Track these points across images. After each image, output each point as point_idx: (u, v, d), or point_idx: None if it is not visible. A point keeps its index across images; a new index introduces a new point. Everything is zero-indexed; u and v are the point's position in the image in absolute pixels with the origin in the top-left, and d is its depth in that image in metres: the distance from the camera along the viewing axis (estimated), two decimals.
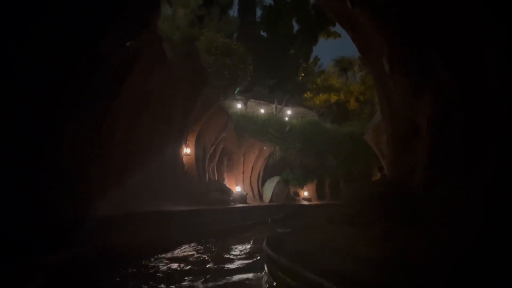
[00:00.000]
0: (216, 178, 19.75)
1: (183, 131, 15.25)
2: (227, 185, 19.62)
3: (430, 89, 6.25)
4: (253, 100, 27.59)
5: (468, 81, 5.77)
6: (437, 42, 5.88)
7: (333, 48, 52.16)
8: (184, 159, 16.01)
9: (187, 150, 15.94)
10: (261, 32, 38.38)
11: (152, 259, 8.04)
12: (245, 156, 22.00)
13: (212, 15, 21.43)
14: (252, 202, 20.97)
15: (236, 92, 19.96)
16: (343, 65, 41.37)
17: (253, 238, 11.44)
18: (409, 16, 6.10)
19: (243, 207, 17.45)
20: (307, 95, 35.88)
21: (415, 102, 6.73)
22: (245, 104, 26.85)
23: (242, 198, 19.83)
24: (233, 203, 18.12)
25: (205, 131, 17.44)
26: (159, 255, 8.45)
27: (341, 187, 30.75)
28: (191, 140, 16.43)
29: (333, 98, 37.13)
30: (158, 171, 13.74)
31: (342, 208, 6.29)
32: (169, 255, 8.71)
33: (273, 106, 28.51)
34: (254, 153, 22.29)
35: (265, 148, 22.51)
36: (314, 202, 26.71)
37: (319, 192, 28.45)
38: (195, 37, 13.83)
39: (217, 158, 19.89)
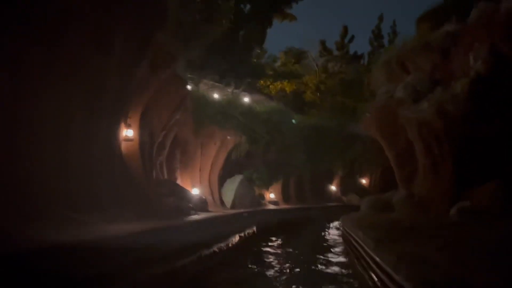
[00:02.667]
0: (166, 177, 14.16)
1: (122, 103, 9.56)
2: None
3: None
4: (206, 81, 22.27)
5: None
6: None
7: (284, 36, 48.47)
8: (124, 146, 10.32)
9: (128, 133, 10.24)
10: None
11: None
12: (203, 149, 16.62)
13: None
14: (213, 208, 15.67)
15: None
16: (292, 57, 37.38)
17: None
18: None
19: (214, 217, 12.13)
20: (263, 82, 31.32)
21: None
22: (196, 85, 21.34)
23: (202, 205, 14.46)
24: (194, 211, 12.71)
25: (154, 107, 11.84)
26: None
27: (305, 188, 26.69)
28: (134, 118, 10.77)
29: (289, 87, 33.06)
30: (83, 163, 8.02)
31: None
32: None
33: (229, 90, 23.41)
34: (215, 144, 16.98)
35: (228, 138, 17.31)
36: (282, 205, 22.06)
37: (285, 194, 23.91)
38: None
39: (167, 149, 14.30)
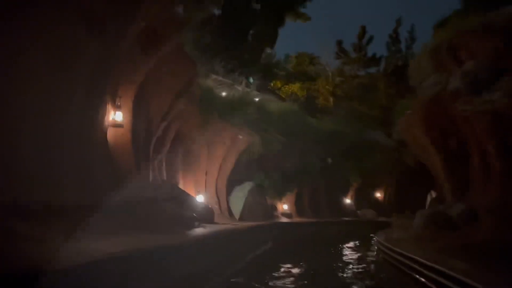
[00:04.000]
0: (166, 179, 11.62)
1: (105, 74, 7.09)
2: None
3: None
4: (214, 76, 19.90)
5: None
6: None
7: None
8: (111, 134, 7.83)
9: (117, 116, 7.75)
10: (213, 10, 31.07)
11: None
12: (210, 149, 14.11)
13: None
14: (220, 219, 13.09)
15: None
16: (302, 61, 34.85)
17: None
18: None
19: (224, 232, 9.55)
20: (274, 84, 29.00)
21: None
22: (204, 77, 18.93)
23: (208, 215, 11.92)
24: (198, 223, 10.15)
25: (153, 89, 9.38)
26: None
27: (320, 200, 24.09)
28: (126, 99, 8.29)
29: (301, 92, 30.75)
30: (44, 153, 5.51)
31: None
32: None
33: (240, 88, 21.01)
34: (224, 143, 14.47)
35: (240, 137, 14.81)
36: (296, 218, 19.46)
37: (298, 206, 21.29)
38: None
39: (168, 146, 11.81)
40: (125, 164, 8.20)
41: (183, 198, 9.79)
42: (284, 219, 18.19)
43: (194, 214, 10.14)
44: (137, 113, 8.79)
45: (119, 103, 7.71)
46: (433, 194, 29.23)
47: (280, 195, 19.17)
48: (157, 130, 10.25)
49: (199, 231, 9.05)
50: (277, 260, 9.45)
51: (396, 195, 31.03)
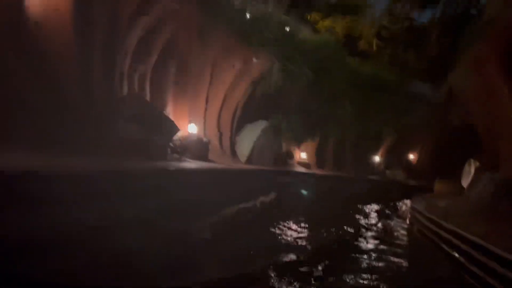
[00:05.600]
0: (149, 100, 9.03)
1: None
2: (171, 118, 9.01)
3: None
4: None
5: None
6: None
7: None
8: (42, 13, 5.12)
9: None
10: None
11: None
12: (214, 70, 11.26)
13: None
14: (217, 158, 10.58)
15: None
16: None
17: None
18: None
19: (203, 171, 7.00)
20: (312, 17, 25.24)
21: None
22: None
23: (200, 149, 9.43)
24: (175, 155, 7.66)
25: None
26: None
27: (346, 154, 21.25)
28: None
29: (341, 28, 26.77)
30: None
31: None
32: None
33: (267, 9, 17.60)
34: (234, 66, 11.58)
35: (254, 60, 11.86)
36: (315, 170, 16.81)
37: (319, 157, 18.55)
38: None
39: (154, 56, 9.09)
40: (58, 58, 5.59)
41: (154, 119, 7.20)
42: (300, 169, 15.59)
43: (172, 144, 7.62)
44: None
45: None
46: (473, 163, 25.51)
47: (299, 141, 16.42)
48: (131, 25, 7.47)
49: (171, 164, 6.54)
50: (270, 222, 6.81)
51: (431, 160, 27.77)
